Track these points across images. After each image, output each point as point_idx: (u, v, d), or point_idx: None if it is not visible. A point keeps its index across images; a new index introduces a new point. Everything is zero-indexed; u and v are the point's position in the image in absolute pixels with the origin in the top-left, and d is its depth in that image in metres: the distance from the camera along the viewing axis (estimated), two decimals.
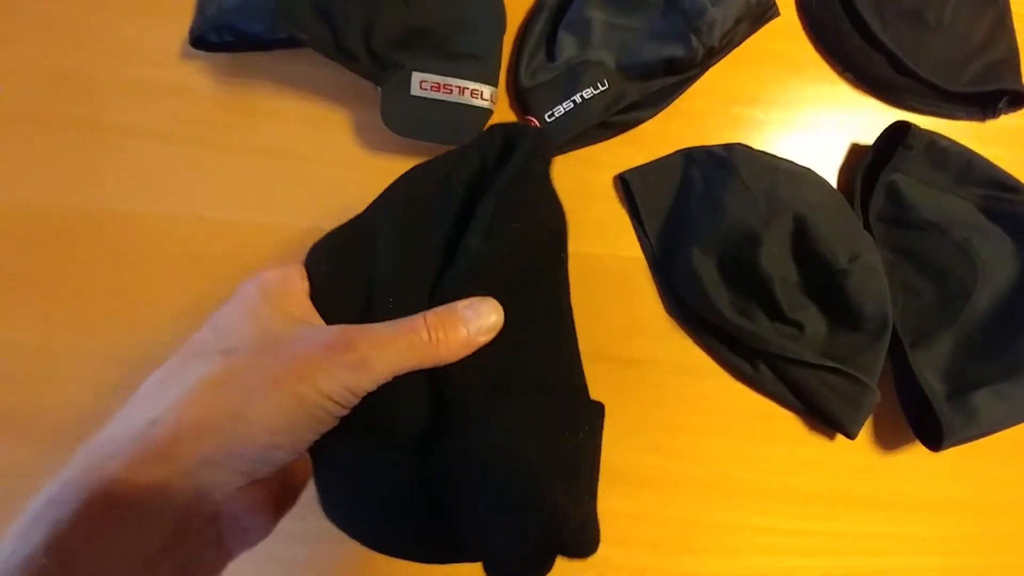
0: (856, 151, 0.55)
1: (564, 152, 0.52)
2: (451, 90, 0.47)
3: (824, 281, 0.48)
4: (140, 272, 0.49)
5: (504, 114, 0.52)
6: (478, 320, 0.28)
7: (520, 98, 0.52)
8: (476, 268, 0.29)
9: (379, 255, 0.30)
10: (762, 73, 0.55)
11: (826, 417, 0.49)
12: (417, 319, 0.28)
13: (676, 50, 0.50)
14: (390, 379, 0.27)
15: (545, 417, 0.29)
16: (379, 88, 0.47)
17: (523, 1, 0.53)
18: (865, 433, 0.51)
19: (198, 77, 0.51)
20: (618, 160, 0.52)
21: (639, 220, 0.52)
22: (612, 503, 0.50)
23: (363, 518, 0.29)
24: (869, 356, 0.49)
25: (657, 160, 0.52)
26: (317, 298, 0.30)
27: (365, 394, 0.27)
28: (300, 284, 0.30)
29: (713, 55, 0.52)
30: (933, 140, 0.51)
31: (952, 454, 0.48)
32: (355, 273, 0.31)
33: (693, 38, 0.49)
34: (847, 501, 0.51)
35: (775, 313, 0.48)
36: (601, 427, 0.31)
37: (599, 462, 0.30)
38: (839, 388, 0.48)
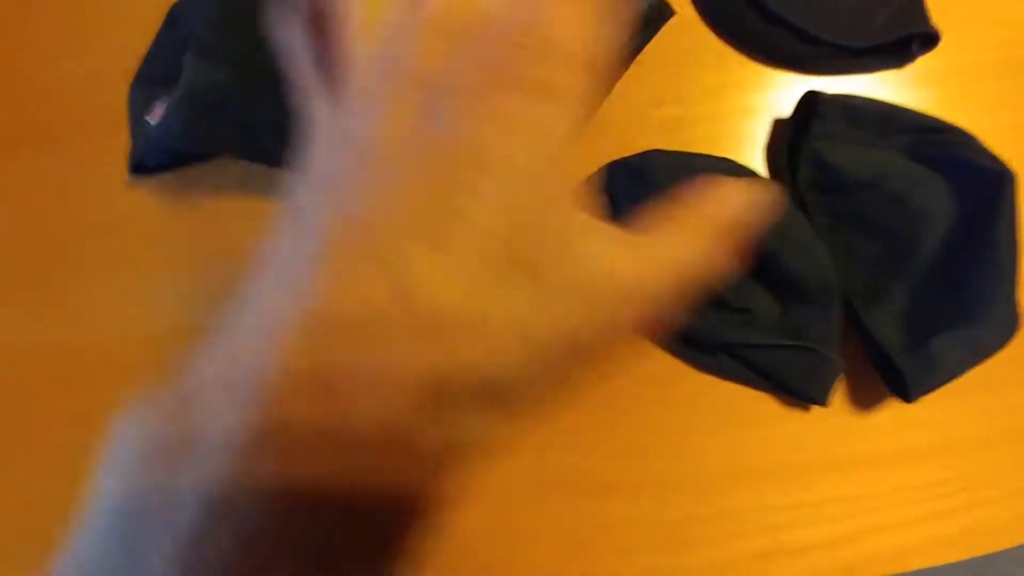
0: (780, 127, 0.56)
1: None
2: None
3: (761, 264, 0.49)
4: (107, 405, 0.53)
5: None
6: None
7: None
8: None
9: None
10: (673, 71, 0.56)
11: (793, 392, 0.51)
12: None
13: None
14: None
15: None
16: None
17: None
18: (842, 397, 0.53)
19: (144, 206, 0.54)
20: None
21: None
22: (608, 510, 0.52)
23: None
24: (823, 326, 0.50)
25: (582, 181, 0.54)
26: None
27: None
28: None
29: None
30: (846, 102, 0.52)
31: (930, 401, 0.49)
32: None
33: None
34: (834, 466, 0.52)
35: (721, 305, 0.50)
36: None
37: None
38: (799, 363, 0.50)
